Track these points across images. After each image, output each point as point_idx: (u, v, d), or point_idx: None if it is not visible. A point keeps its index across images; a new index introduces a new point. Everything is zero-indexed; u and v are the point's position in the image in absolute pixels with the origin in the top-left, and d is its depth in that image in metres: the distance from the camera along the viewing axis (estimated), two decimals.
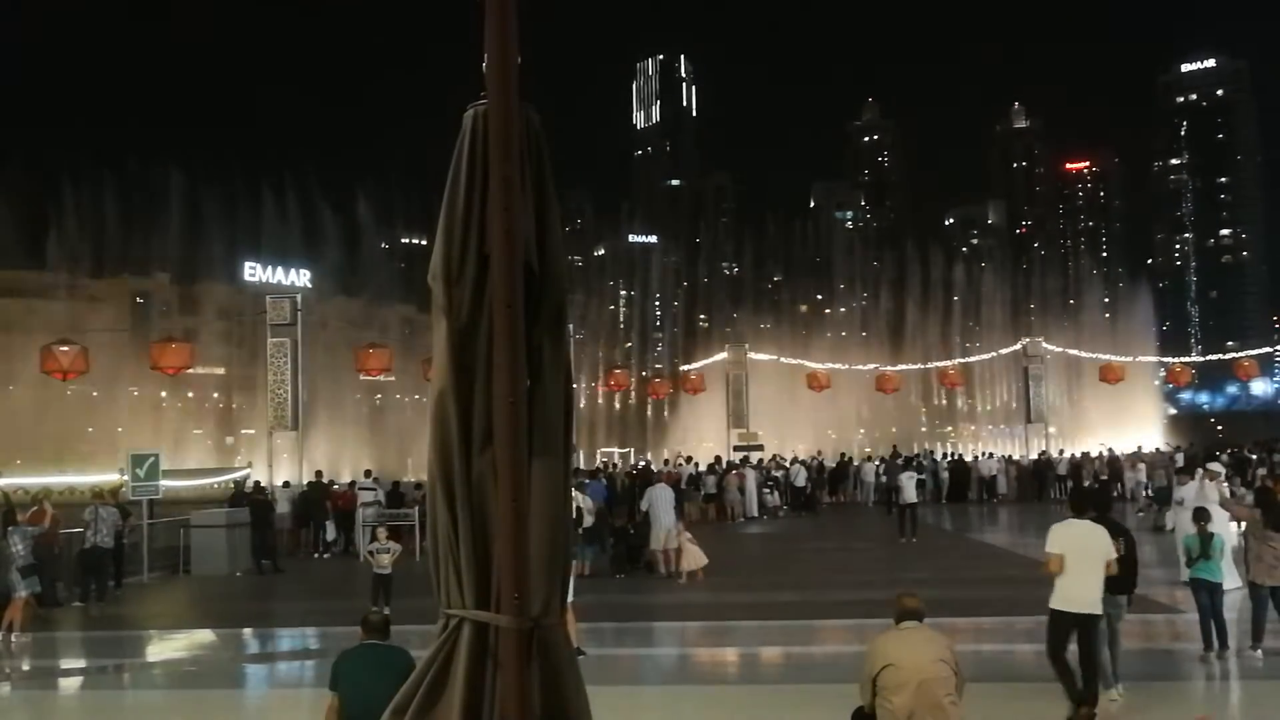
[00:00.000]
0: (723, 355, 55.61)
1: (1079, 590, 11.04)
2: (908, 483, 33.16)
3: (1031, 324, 71.01)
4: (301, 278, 55.04)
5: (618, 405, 68.97)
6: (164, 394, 50.15)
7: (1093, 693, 10.95)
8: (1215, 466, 17.49)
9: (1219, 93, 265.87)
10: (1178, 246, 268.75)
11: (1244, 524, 15.47)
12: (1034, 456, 50.44)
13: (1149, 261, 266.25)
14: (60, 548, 23.50)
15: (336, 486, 33.35)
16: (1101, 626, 11.45)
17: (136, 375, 47.74)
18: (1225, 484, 37.03)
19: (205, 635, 20.31)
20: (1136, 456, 46.92)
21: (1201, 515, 14.68)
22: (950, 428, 79.06)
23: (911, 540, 30.80)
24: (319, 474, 33.37)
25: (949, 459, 51.22)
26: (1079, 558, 11.08)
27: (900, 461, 43.20)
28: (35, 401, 44.60)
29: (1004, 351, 65.14)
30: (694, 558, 24.01)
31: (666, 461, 45.10)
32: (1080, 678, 10.97)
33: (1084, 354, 67.40)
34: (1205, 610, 14.13)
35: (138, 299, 50.83)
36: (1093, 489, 16.73)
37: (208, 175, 53.25)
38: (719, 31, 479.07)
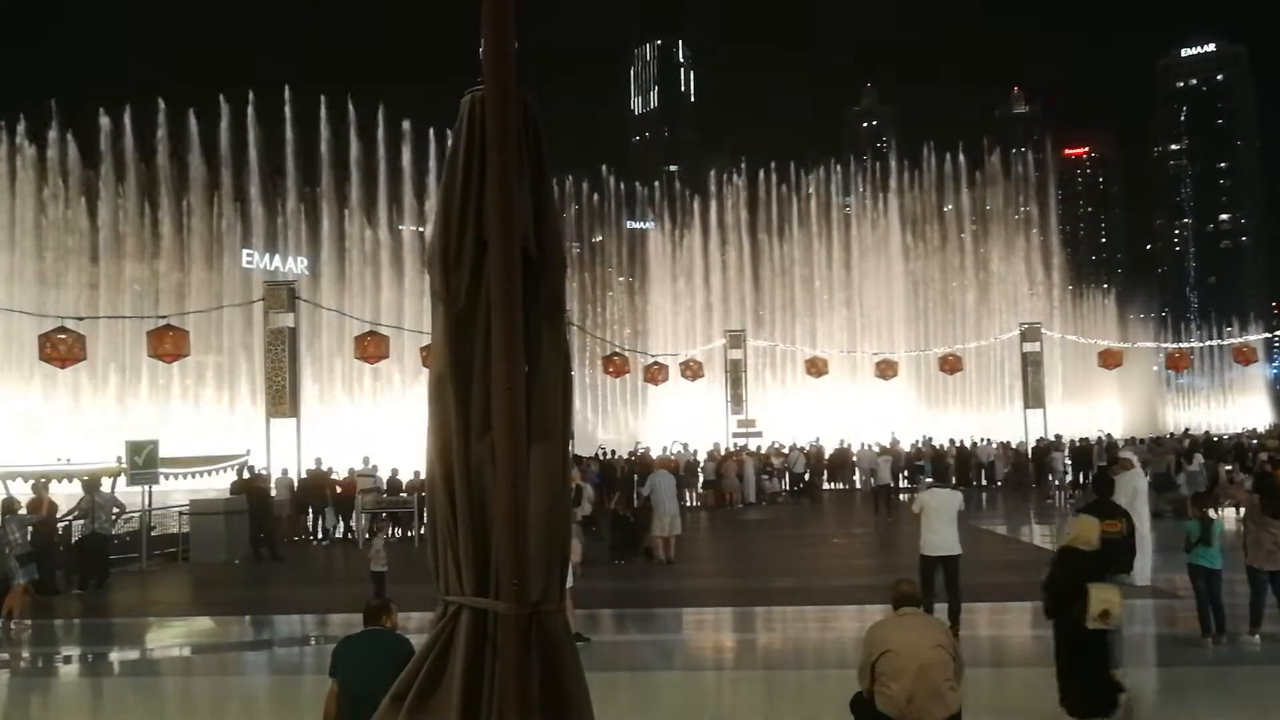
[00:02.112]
0: (721, 341, 55.63)
1: None
2: (882, 465, 36.91)
3: (1030, 310, 70.91)
4: (299, 264, 55.00)
5: (615, 391, 68.97)
6: (161, 382, 50.06)
7: None
8: (1127, 454, 17.59)
9: (1219, 77, 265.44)
10: (1177, 232, 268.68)
11: (1242, 509, 15.53)
12: (1033, 443, 50.39)
13: (1149, 247, 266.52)
14: (59, 535, 23.53)
15: (335, 473, 33.36)
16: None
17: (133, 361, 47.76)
18: (1229, 467, 37.28)
19: (204, 622, 20.34)
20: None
21: (1203, 500, 14.73)
22: (949, 410, 79.07)
23: (887, 519, 32.33)
24: (318, 461, 33.38)
25: (949, 445, 51.17)
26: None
27: (876, 448, 44.53)
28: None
29: (1003, 336, 65.14)
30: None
31: (665, 449, 45.08)
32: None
33: (1083, 339, 67.44)
34: (1203, 596, 14.16)
35: (134, 285, 50.67)
36: (1100, 474, 16.89)
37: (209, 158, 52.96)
38: (717, 16, 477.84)
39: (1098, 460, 45.04)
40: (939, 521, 14.86)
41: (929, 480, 27.37)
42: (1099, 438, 50.80)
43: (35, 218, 48.91)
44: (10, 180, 48.96)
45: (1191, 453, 42.32)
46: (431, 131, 55.95)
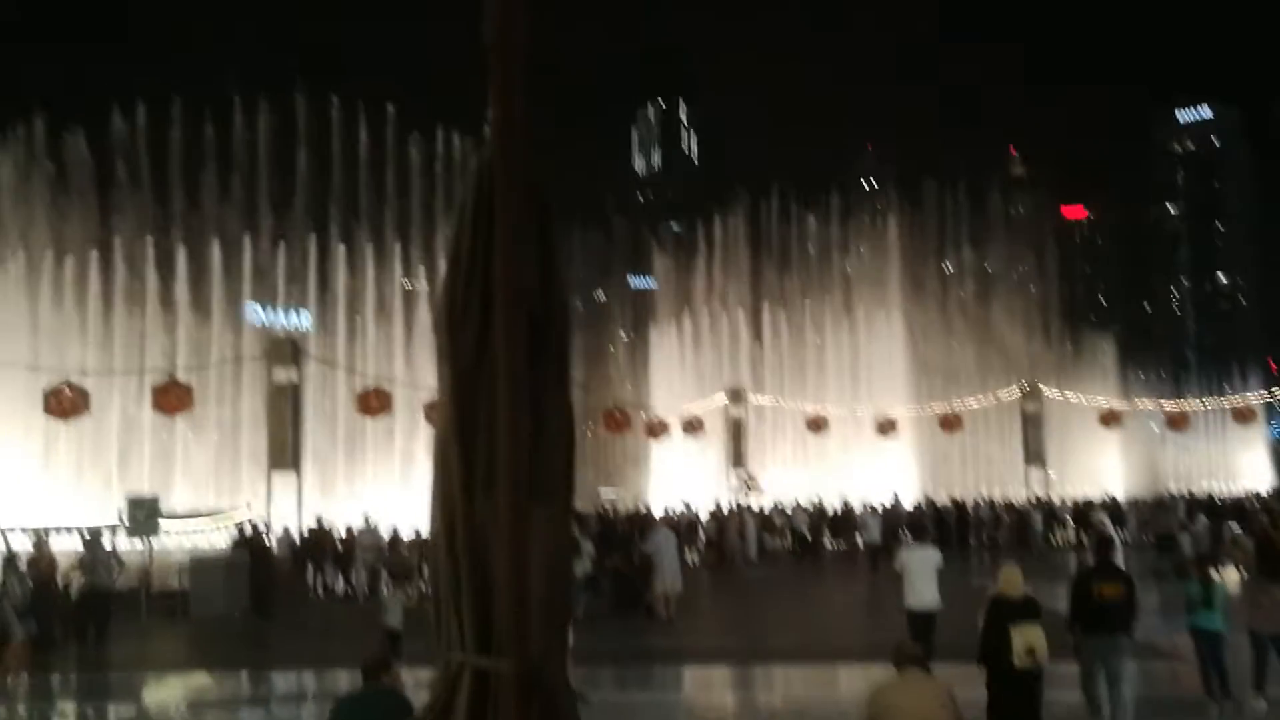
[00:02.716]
0: (721, 397, 55.64)
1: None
2: (873, 524, 38.22)
3: (1030, 369, 70.98)
4: (304, 319, 55.11)
5: (617, 447, 68.82)
6: (164, 435, 50.02)
7: None
8: (1099, 516, 17.63)
9: (1214, 140, 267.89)
10: (1175, 292, 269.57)
11: (1244, 570, 15.50)
12: (1034, 501, 50.22)
13: (1147, 307, 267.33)
14: (59, 589, 23.43)
15: (336, 529, 33.27)
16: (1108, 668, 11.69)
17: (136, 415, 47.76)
18: (1233, 526, 37.12)
19: (202, 678, 20.20)
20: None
21: (1205, 562, 14.70)
22: (949, 471, 78.84)
23: (873, 576, 32.97)
24: (319, 518, 33.31)
25: (949, 504, 51.02)
26: None
27: (870, 508, 44.58)
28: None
29: (1003, 395, 65.16)
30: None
31: (666, 508, 44.94)
32: None
33: (1083, 397, 67.42)
34: (1206, 658, 14.07)
35: (138, 339, 50.75)
36: (1102, 536, 17.01)
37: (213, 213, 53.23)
38: (719, 78, 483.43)
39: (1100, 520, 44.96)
40: (919, 578, 15.75)
41: (909, 538, 27.58)
42: (1102, 499, 50.69)
43: (35, 270, 49.08)
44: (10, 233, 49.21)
45: (1194, 513, 42.19)
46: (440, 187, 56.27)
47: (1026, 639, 10.54)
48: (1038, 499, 48.89)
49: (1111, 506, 48.55)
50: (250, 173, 54.13)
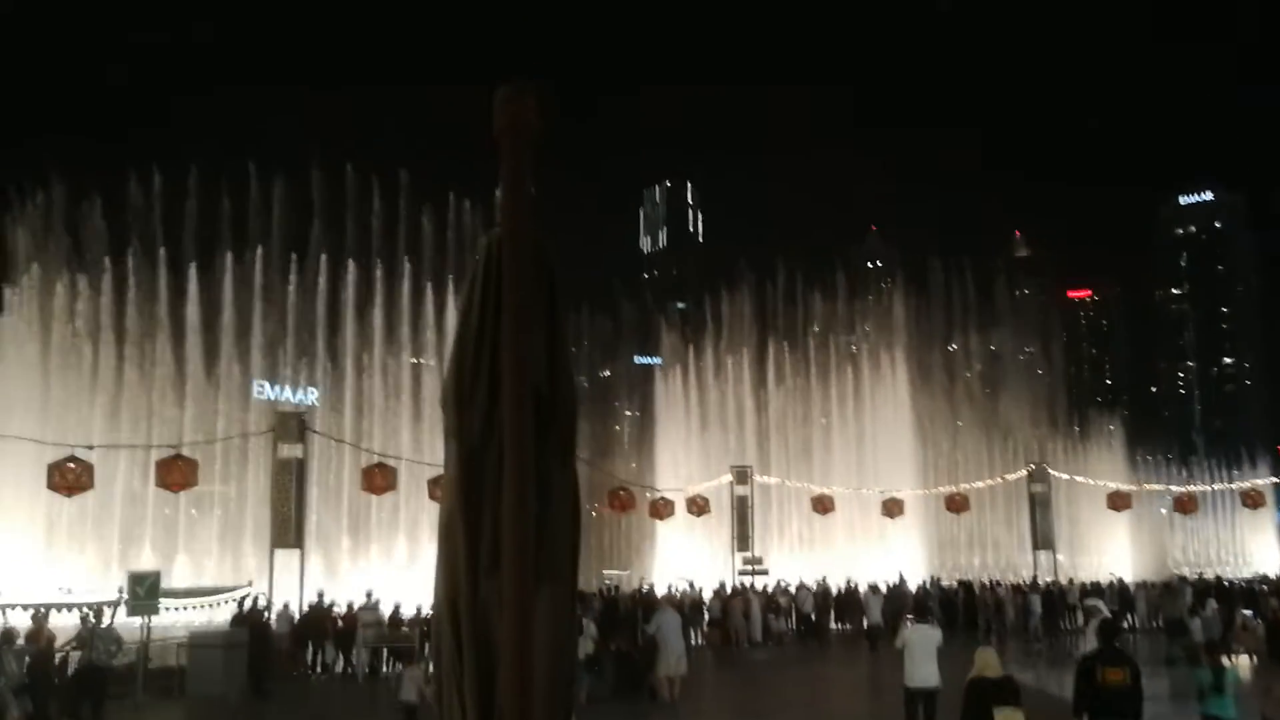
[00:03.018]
0: (727, 477, 55.37)
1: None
2: (873, 605, 38.72)
3: (1037, 450, 70.81)
4: (310, 395, 55.17)
5: (621, 526, 68.43)
6: (167, 510, 49.83)
7: None
8: (1094, 602, 17.45)
9: (1217, 224, 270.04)
10: (1181, 375, 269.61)
11: (1255, 656, 15.30)
12: (1043, 584, 49.72)
13: (1153, 389, 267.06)
14: (56, 666, 23.18)
15: (337, 607, 32.99)
16: None
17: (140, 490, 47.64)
18: (1244, 611, 36.70)
19: None
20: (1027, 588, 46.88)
21: (1216, 648, 14.53)
22: (957, 555, 78.30)
23: (874, 651, 33.83)
24: (320, 595, 33.04)
25: (957, 586, 50.55)
26: None
27: (870, 588, 44.33)
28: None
29: (1010, 477, 64.86)
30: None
31: (670, 586, 44.54)
32: None
33: (1091, 480, 67.10)
34: None
35: (142, 414, 50.78)
36: (1108, 619, 16.79)
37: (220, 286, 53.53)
38: (725, 160, 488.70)
39: (1110, 604, 44.45)
40: (920, 656, 15.96)
41: (910, 617, 27.59)
42: (1110, 581, 50.20)
43: (42, 345, 49.27)
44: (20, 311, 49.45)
45: (1204, 598, 41.72)
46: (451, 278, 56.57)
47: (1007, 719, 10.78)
48: (1034, 581, 48.53)
49: (1120, 590, 48.08)
50: (260, 247, 54.51)
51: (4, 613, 23.00)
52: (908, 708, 15.63)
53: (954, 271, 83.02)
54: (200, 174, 54.67)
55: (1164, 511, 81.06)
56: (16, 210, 50.43)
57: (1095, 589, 47.06)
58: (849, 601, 47.66)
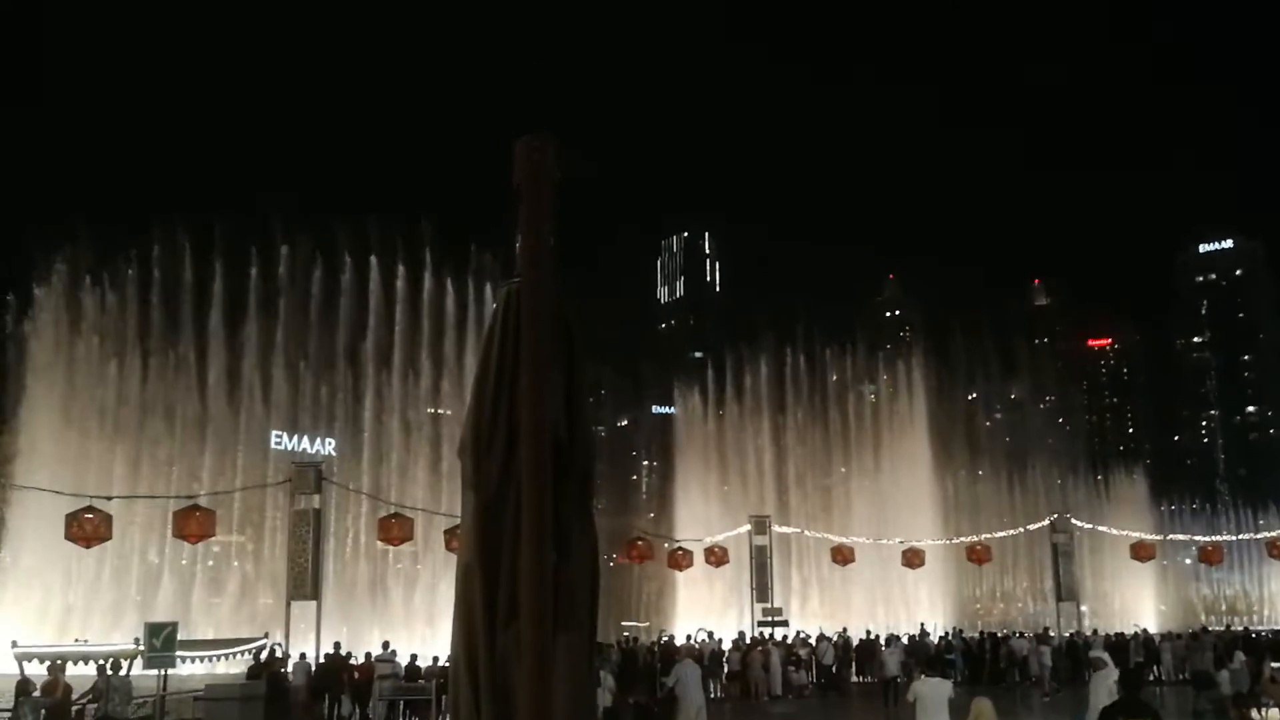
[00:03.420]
0: (746, 528, 55.04)
1: None
2: (888, 657, 37.36)
3: (1060, 500, 70.26)
4: (326, 447, 55.30)
5: (639, 577, 68.08)
6: (184, 561, 49.86)
7: None
8: (1099, 653, 17.11)
9: (1237, 272, 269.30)
10: (1204, 424, 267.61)
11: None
12: (1066, 635, 49.08)
13: (1176, 438, 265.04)
14: (72, 718, 23.06)
15: (353, 658, 32.81)
16: None
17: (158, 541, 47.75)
18: (1276, 665, 36.10)
19: None
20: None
21: (1244, 701, 14.30)
22: (979, 605, 77.57)
23: (893, 708, 32.52)
24: (337, 645, 32.88)
25: (980, 638, 49.98)
26: None
27: (886, 638, 43.94)
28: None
29: (1032, 527, 64.29)
30: None
31: (689, 637, 44.16)
32: None
33: (1115, 530, 66.42)
34: None
35: (164, 467, 50.99)
36: (1132, 670, 16.52)
37: (238, 340, 53.90)
38: (742, 210, 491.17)
39: (1134, 656, 43.84)
40: (931, 709, 16.06)
41: (921, 670, 27.30)
42: (1135, 633, 49.56)
43: (64, 396, 49.59)
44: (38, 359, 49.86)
45: (1231, 649, 41.09)
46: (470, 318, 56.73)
47: None
48: (1044, 632, 47.97)
49: (1145, 641, 47.43)
50: (275, 302, 54.85)
51: (21, 664, 22.92)
52: None
53: (973, 320, 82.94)
54: (221, 228, 55.17)
55: (1188, 562, 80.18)
56: (42, 268, 50.91)
57: (1118, 640, 46.44)
58: (869, 653, 47.12)
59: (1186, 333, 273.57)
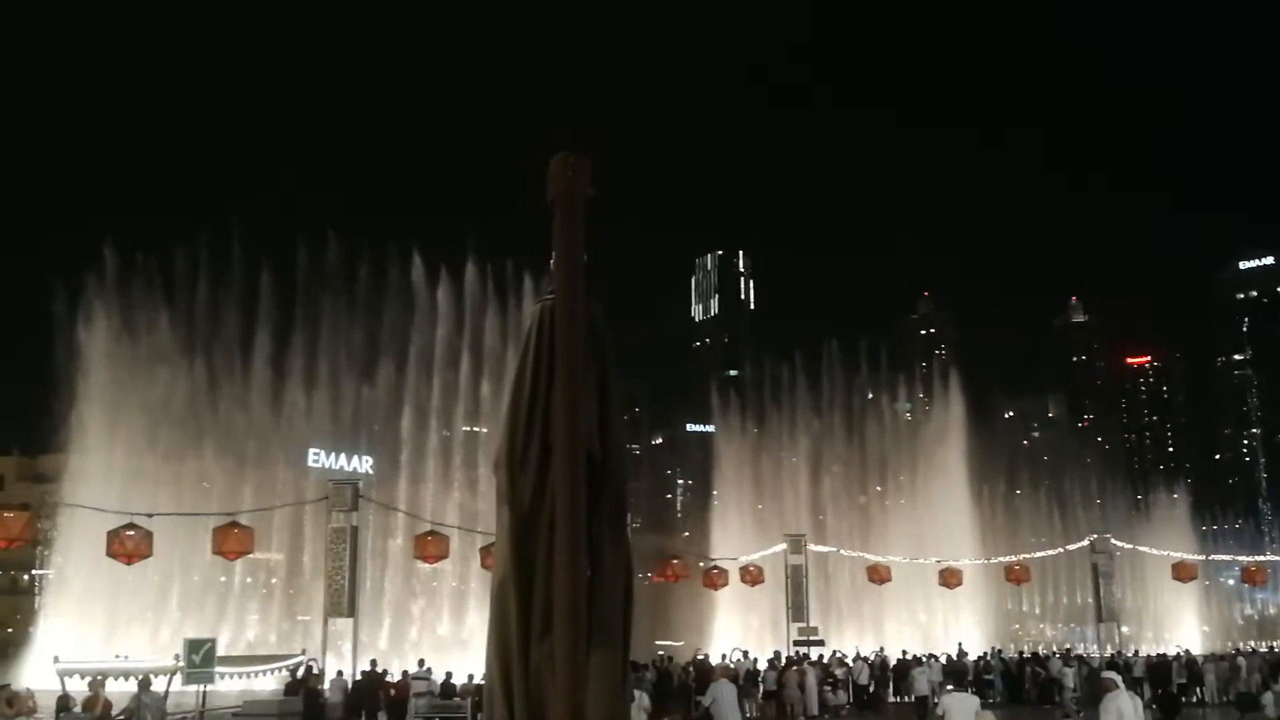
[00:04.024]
0: (781, 546, 54.77)
1: None
2: (918, 676, 38.03)
3: (1099, 520, 69.50)
4: (364, 464, 55.61)
5: (674, 596, 67.87)
6: (222, 578, 50.22)
7: None
8: (1110, 675, 16.75)
9: (1278, 288, 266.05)
10: (1245, 442, 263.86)
11: None
12: (1106, 656, 48.48)
13: (1216, 457, 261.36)
14: None
15: (390, 675, 32.91)
16: None
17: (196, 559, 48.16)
18: None
19: None
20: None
21: None
22: (1018, 625, 76.80)
23: None
24: (373, 663, 32.99)
25: (1019, 658, 49.46)
26: None
27: (920, 658, 43.89)
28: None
29: (1071, 548, 63.59)
30: None
31: (724, 656, 43.95)
32: None
33: (1155, 550, 65.55)
34: None
35: (204, 484, 51.44)
36: (1166, 693, 16.40)
37: (275, 359, 54.32)
38: (776, 228, 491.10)
39: (1177, 678, 43.20)
40: None
41: (950, 686, 27.53)
42: (1177, 654, 48.87)
43: (110, 417, 50.14)
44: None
45: (1276, 671, 40.44)
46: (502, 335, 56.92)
47: None
48: (1066, 653, 47.50)
49: (1188, 663, 46.75)
50: (317, 321, 55.24)
51: (62, 679, 23.15)
52: None
53: (1009, 338, 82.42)
54: (253, 248, 55.74)
55: (1231, 582, 79.03)
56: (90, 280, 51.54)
57: (1160, 661, 45.79)
58: (905, 673, 46.73)
59: (1227, 350, 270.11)
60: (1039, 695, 43.58)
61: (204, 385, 52.29)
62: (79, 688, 23.39)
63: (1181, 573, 55.41)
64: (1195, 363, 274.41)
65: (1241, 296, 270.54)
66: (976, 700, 17.59)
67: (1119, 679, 16.28)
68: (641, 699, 24.61)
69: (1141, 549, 65.54)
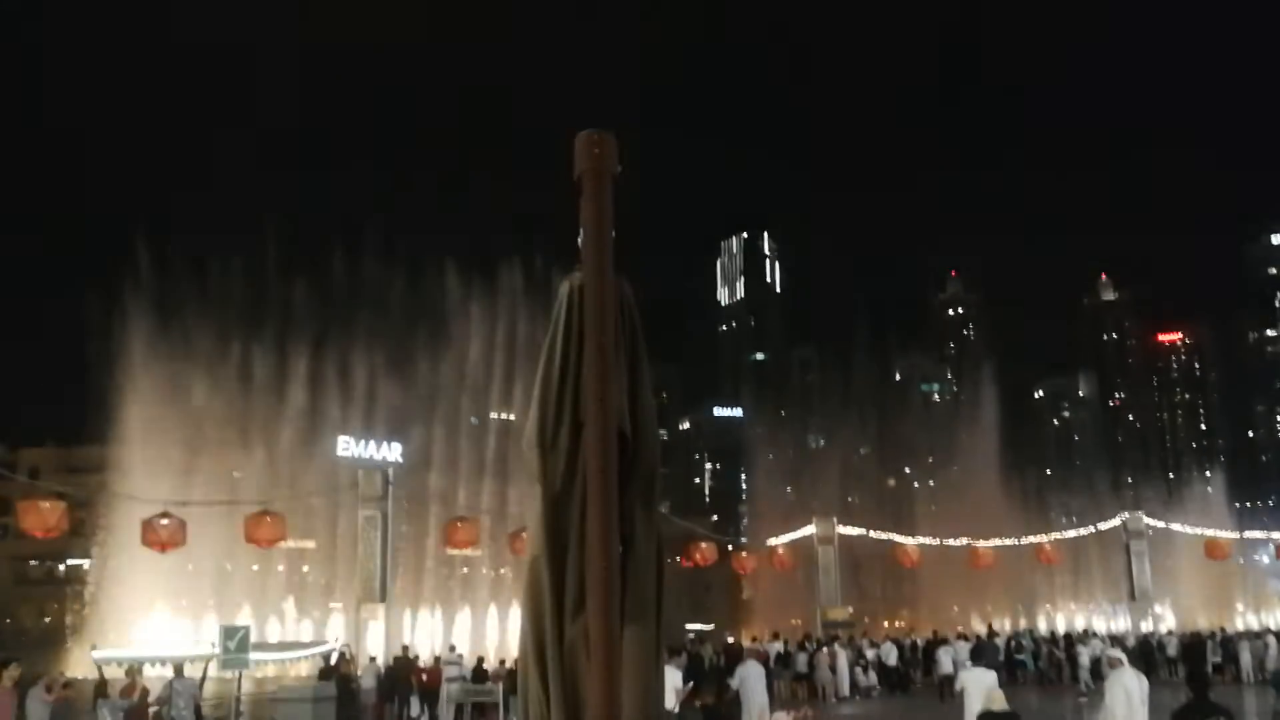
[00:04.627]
0: (810, 529, 54.74)
1: None
2: (942, 655, 38.65)
3: (1131, 498, 69.08)
4: (393, 452, 55.84)
5: (703, 580, 67.95)
6: (255, 567, 50.64)
7: None
8: (1115, 653, 16.62)
9: None
10: (1279, 419, 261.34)
11: None
12: (1140, 635, 48.30)
13: (1250, 434, 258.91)
14: None
15: (421, 660, 33.14)
16: None
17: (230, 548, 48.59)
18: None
19: None
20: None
21: None
22: (1050, 605, 76.41)
23: (949, 702, 31.81)
24: (405, 648, 33.22)
25: (1051, 637, 49.32)
26: None
27: (939, 641, 43.83)
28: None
29: (1103, 526, 63.23)
30: None
31: (754, 639, 44.03)
32: None
33: (1188, 529, 65.11)
34: None
35: (234, 473, 51.81)
36: (1196, 671, 16.29)
37: (304, 346, 54.64)
38: (802, 209, 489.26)
39: (1212, 657, 42.95)
40: (975, 696, 16.57)
41: (969, 662, 27.99)
42: (1212, 632, 48.59)
43: (149, 408, 50.60)
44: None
45: None
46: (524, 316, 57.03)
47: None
48: (1082, 633, 47.34)
49: (1222, 642, 46.48)
50: (345, 307, 55.55)
51: (100, 667, 23.45)
52: None
53: (1039, 317, 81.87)
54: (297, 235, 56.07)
55: (1266, 560, 78.33)
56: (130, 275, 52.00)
57: (1194, 639, 45.51)
58: (933, 653, 46.72)
59: (1259, 325, 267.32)
60: (1058, 674, 43.62)
61: (236, 376, 52.66)
62: (116, 675, 23.70)
63: (1215, 551, 55.07)
64: (1227, 340, 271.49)
65: (1274, 271, 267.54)
66: (993, 675, 17.78)
67: (1124, 657, 16.18)
68: (675, 678, 24.70)
69: (1174, 527, 65.13)
